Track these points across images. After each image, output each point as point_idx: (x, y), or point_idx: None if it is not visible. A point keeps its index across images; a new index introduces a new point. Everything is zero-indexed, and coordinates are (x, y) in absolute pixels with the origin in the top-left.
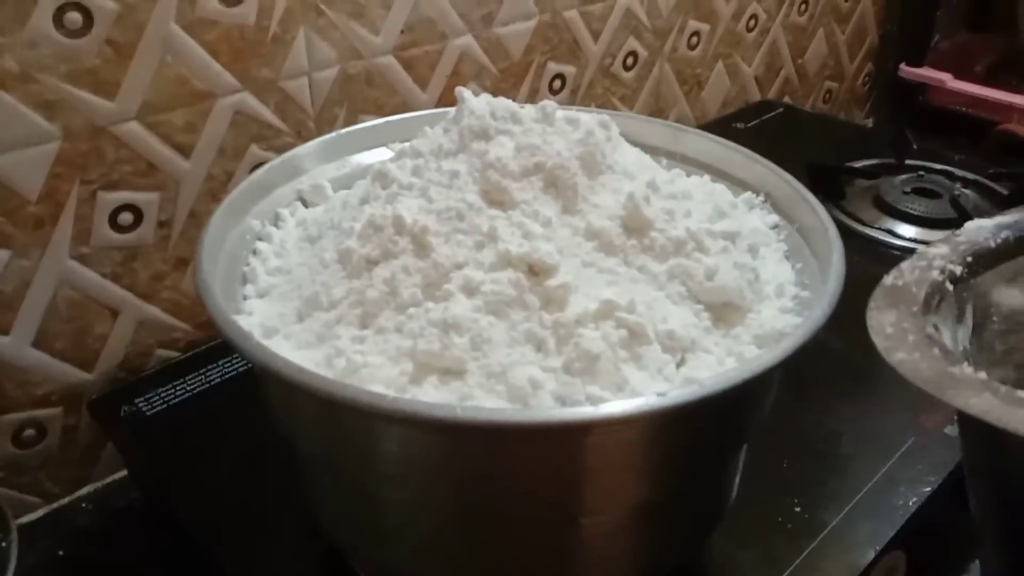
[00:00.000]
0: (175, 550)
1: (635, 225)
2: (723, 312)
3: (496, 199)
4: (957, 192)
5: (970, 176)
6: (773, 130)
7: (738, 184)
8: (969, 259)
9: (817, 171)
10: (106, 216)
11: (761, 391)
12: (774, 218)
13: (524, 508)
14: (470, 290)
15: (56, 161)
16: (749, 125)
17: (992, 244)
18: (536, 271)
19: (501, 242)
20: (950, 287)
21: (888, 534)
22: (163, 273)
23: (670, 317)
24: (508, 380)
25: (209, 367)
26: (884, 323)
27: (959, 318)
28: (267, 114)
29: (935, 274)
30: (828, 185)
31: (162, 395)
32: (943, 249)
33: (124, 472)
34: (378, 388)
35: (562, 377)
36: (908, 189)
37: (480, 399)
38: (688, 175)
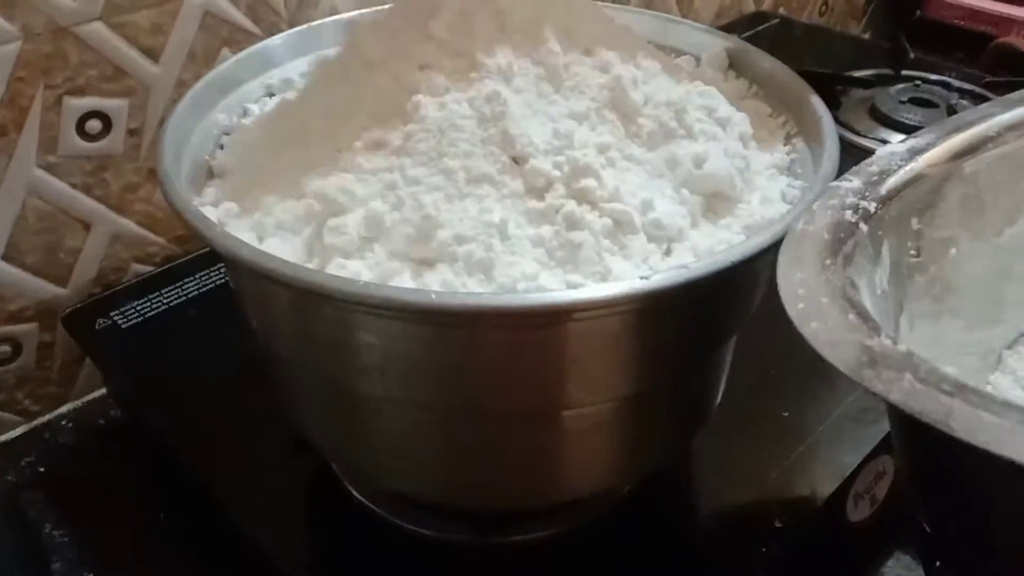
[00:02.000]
0: (156, 465)
1: (622, 110)
2: (713, 202)
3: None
4: (954, 102)
5: (967, 86)
6: (768, 41)
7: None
8: (882, 192)
9: (812, 79)
10: (73, 123)
11: (748, 279)
12: (766, 108)
13: (504, 400)
14: (448, 175)
15: (17, 64)
16: (744, 36)
17: (904, 170)
18: (519, 160)
19: (481, 127)
20: (864, 228)
21: (876, 438)
22: (135, 184)
23: (657, 206)
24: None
25: (186, 280)
26: (796, 284)
27: (875, 259)
28: (238, 16)
29: (847, 215)
30: (823, 94)
31: (138, 308)
32: (855, 183)
33: (103, 391)
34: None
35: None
36: (904, 99)
37: (459, 288)
38: None
